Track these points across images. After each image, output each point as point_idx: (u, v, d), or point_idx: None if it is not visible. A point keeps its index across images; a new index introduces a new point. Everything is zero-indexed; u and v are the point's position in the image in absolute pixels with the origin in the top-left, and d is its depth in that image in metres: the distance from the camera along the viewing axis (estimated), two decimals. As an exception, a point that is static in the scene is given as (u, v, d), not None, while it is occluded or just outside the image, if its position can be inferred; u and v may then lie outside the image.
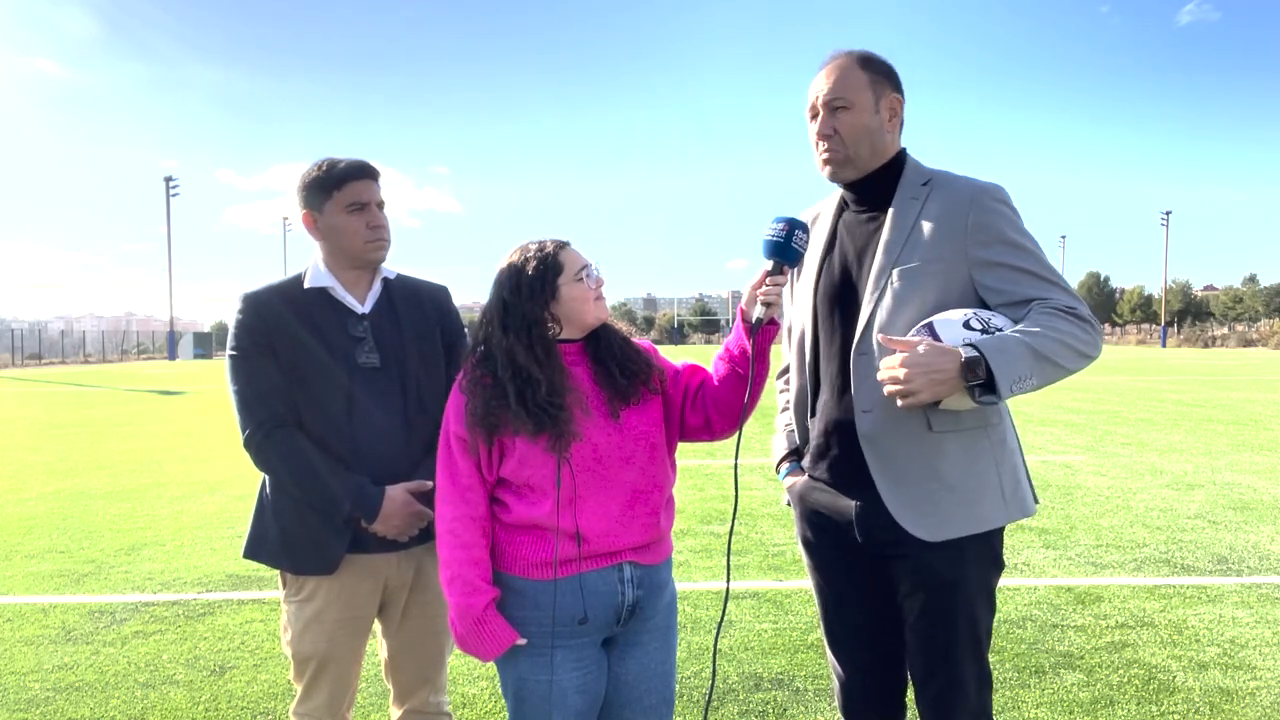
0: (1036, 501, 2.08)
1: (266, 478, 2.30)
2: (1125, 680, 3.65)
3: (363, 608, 2.31)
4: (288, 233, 64.86)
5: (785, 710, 3.42)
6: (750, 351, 1.97)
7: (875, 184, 2.08)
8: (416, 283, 2.45)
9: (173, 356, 54.34)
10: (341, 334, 2.26)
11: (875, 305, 1.97)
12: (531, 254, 1.96)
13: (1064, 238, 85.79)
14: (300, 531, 2.24)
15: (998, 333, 1.84)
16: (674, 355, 2.23)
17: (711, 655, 3.08)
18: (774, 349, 2.05)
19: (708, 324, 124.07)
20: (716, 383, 2.04)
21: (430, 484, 2.12)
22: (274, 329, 2.22)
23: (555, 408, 1.87)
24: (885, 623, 2.10)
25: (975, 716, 2.02)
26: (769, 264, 1.95)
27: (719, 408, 2.04)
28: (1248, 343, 62.40)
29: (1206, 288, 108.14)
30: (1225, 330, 72.49)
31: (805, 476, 2.18)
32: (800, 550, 2.26)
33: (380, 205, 2.30)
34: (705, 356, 2.28)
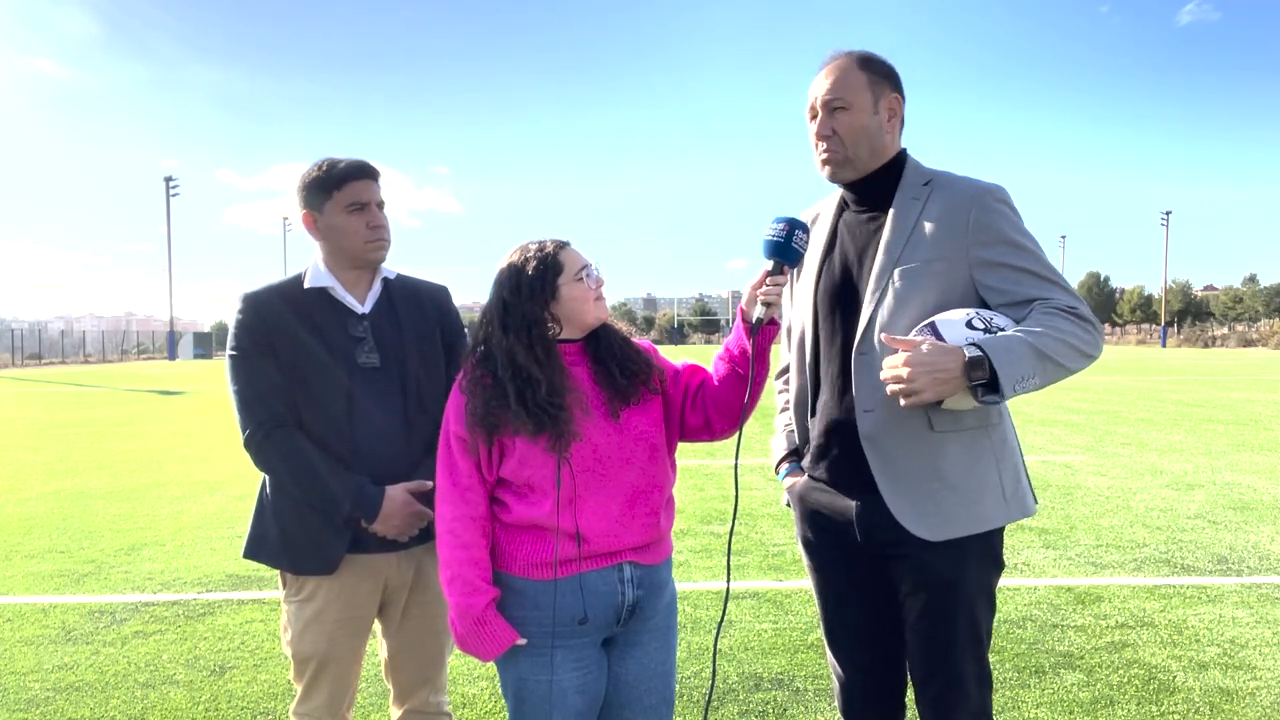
0: (1036, 502, 2.08)
1: (266, 478, 2.30)
2: (1125, 680, 3.65)
3: (363, 608, 2.31)
4: (288, 233, 64.87)
5: (785, 710, 3.42)
6: (750, 351, 1.97)
7: (875, 184, 2.08)
8: (416, 283, 2.45)
9: (173, 356, 54.33)
10: (341, 334, 2.26)
11: (876, 305, 1.97)
12: (531, 254, 1.96)
13: (1064, 238, 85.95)
14: (300, 531, 2.24)
15: (1000, 332, 1.84)
16: (674, 355, 2.23)
17: (711, 655, 3.08)
18: (774, 349, 2.05)
19: (708, 324, 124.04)
20: (716, 383, 2.04)
21: (430, 484, 2.12)
22: (274, 329, 2.22)
23: (555, 408, 1.87)
24: (885, 623, 2.10)
25: (975, 716, 2.01)
26: (769, 264, 1.95)
27: (719, 408, 2.04)
28: (1248, 343, 62.40)
29: (1206, 288, 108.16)
30: (1225, 330, 72.48)
31: (805, 477, 2.18)
32: (800, 550, 2.26)
33: (380, 205, 2.30)
34: (705, 356, 2.28)
